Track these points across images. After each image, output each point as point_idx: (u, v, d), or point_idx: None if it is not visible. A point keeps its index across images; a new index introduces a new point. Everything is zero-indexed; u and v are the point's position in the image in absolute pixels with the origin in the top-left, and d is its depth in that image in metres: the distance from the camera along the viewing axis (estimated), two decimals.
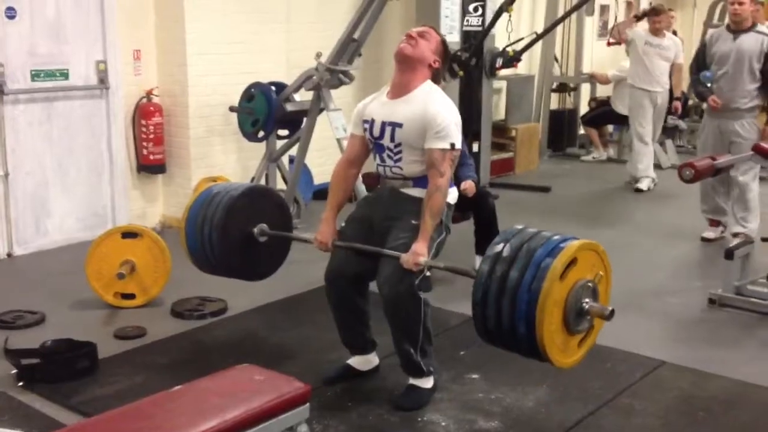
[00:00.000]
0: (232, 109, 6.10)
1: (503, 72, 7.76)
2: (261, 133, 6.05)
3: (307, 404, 2.51)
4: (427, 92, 3.27)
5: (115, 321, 4.30)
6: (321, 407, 3.23)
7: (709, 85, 5.88)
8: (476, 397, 3.46)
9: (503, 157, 8.52)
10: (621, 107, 8.90)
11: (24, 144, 5.49)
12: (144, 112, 6.00)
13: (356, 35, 5.38)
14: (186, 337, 4.12)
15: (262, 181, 6.07)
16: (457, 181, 4.36)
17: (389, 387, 3.48)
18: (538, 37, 7.25)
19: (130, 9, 5.92)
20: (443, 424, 3.23)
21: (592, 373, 3.66)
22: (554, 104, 9.95)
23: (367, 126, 3.35)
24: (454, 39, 6.85)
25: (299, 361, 3.78)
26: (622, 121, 9.12)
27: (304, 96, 5.91)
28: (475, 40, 6.99)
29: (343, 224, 3.48)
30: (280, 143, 6.19)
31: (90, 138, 5.83)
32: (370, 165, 3.54)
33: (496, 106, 8.75)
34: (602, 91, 9.80)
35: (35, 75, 5.48)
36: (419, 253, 3.14)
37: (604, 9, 10.56)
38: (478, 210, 4.98)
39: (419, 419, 3.26)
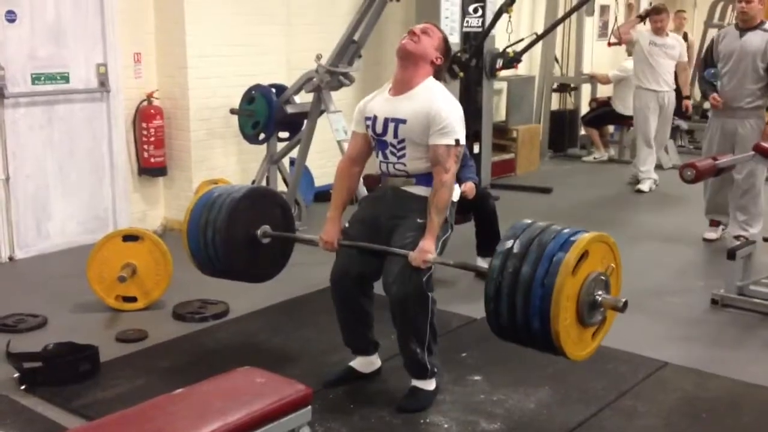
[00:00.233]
0: (232, 111, 6.11)
1: (503, 73, 7.76)
2: (262, 136, 6.05)
3: (309, 407, 2.50)
4: (430, 88, 3.26)
5: (117, 324, 4.30)
6: (323, 410, 3.24)
7: (717, 83, 5.77)
8: (478, 399, 3.45)
9: (504, 158, 8.53)
10: (621, 107, 8.91)
11: (25, 147, 5.49)
12: (144, 114, 6.01)
13: (356, 37, 5.38)
14: (187, 340, 4.11)
15: (263, 184, 6.06)
16: (457, 182, 4.35)
17: (391, 389, 3.48)
18: (539, 37, 7.25)
19: (130, 12, 5.92)
20: (445, 426, 3.22)
21: (594, 374, 3.66)
22: (555, 105, 9.95)
23: (369, 123, 3.34)
24: (454, 40, 6.85)
25: (301, 364, 3.78)
26: (622, 121, 9.13)
27: (304, 98, 5.91)
28: (475, 41, 6.99)
29: (346, 225, 3.47)
30: (280, 145, 6.18)
31: (91, 141, 5.84)
32: (370, 167, 3.53)
33: (497, 107, 8.75)
34: (603, 91, 9.80)
35: (36, 78, 5.49)
36: (427, 250, 3.14)
37: (604, 9, 10.56)
38: (479, 211, 4.98)
39: (422, 421, 3.25)
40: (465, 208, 4.67)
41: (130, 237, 4.52)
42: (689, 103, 8.07)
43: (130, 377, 3.63)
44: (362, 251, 3.35)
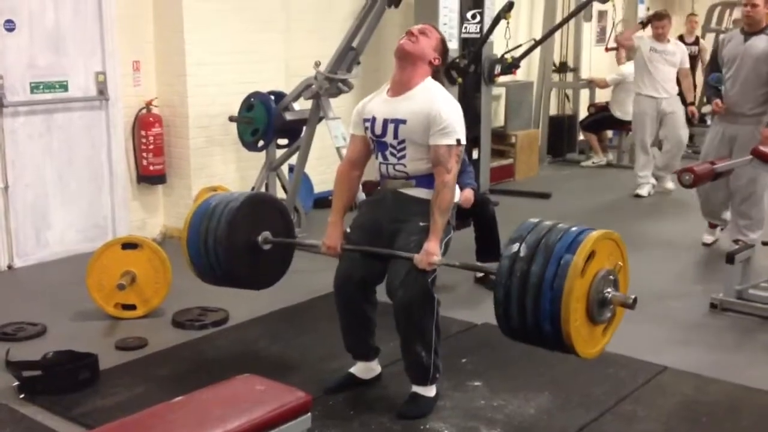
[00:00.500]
0: (231, 118, 6.11)
1: (502, 79, 7.76)
2: (261, 143, 6.06)
3: (309, 414, 2.50)
4: (428, 89, 3.27)
5: (116, 332, 4.30)
6: (323, 416, 3.23)
7: (721, 88, 5.72)
8: (478, 405, 3.45)
9: (503, 163, 8.53)
10: (620, 112, 8.92)
11: (24, 156, 5.49)
12: (143, 122, 6.01)
13: (355, 44, 5.39)
14: (187, 348, 4.11)
15: (262, 191, 6.07)
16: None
17: (391, 396, 3.48)
18: (537, 43, 7.27)
19: (129, 20, 5.93)
20: None
21: (594, 379, 3.66)
22: (553, 110, 9.97)
23: (368, 124, 3.33)
24: (452, 46, 6.85)
25: (301, 371, 3.77)
26: (621, 126, 9.14)
27: (303, 105, 5.92)
28: (473, 47, 7.00)
29: (348, 230, 3.47)
30: (279, 152, 6.19)
31: (90, 149, 5.84)
32: (369, 172, 3.53)
33: (496, 112, 8.76)
34: (601, 96, 9.81)
35: (34, 87, 5.49)
36: (432, 252, 3.14)
37: (602, 15, 10.58)
38: (478, 217, 4.98)
39: (422, 427, 3.25)
40: (464, 214, 4.67)
41: (129, 245, 4.52)
42: (694, 109, 7.99)
43: (130, 385, 3.62)
44: (365, 255, 3.35)
